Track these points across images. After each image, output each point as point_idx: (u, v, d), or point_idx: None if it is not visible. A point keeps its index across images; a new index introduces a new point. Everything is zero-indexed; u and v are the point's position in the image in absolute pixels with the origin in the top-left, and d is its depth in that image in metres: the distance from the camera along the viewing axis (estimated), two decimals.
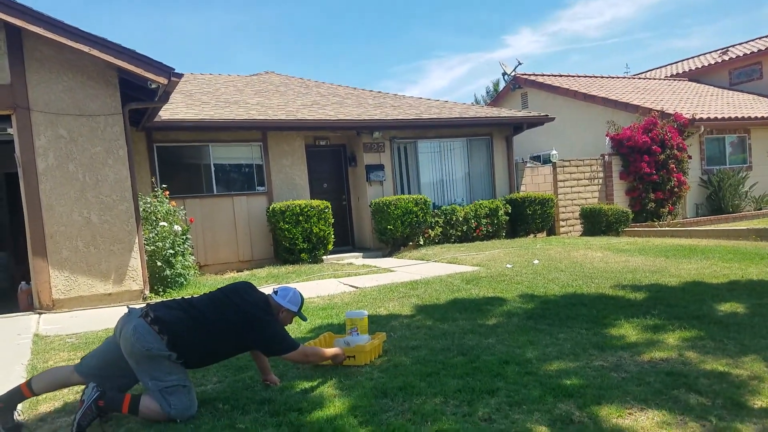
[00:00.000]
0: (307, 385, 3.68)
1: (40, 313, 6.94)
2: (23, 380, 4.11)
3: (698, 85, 21.58)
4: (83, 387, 3.54)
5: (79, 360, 4.37)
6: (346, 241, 12.45)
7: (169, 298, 3.70)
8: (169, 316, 3.23)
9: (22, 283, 7.53)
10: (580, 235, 13.66)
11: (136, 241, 7.45)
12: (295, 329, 5.17)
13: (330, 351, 3.82)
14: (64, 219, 7.13)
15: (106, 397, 3.10)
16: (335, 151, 12.63)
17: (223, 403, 3.39)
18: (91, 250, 7.24)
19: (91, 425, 3.11)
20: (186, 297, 3.51)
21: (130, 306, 3.38)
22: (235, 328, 3.33)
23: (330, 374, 3.86)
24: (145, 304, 3.34)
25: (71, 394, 3.78)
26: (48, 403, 3.66)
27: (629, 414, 3.08)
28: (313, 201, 10.56)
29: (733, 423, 2.90)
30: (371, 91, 15.54)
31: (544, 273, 7.45)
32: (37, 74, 7.08)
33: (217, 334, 3.30)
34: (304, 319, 3.76)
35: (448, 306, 5.73)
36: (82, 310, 7.01)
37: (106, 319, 6.21)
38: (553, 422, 3.00)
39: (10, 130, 7.11)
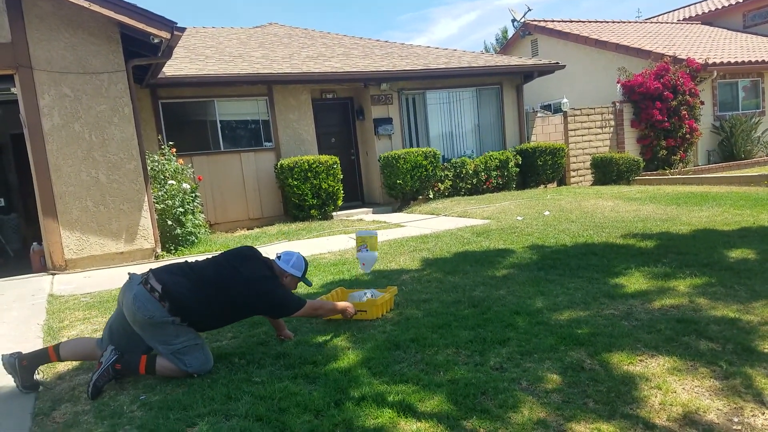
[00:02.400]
0: (321, 339, 3.74)
1: (53, 274, 7.03)
2: (40, 339, 4.24)
3: (711, 28, 20.94)
4: None
5: (97, 324, 4.49)
6: (356, 197, 12.44)
7: (172, 262, 3.67)
8: (170, 282, 3.17)
9: (34, 244, 7.59)
10: (591, 185, 13.58)
11: (146, 199, 7.46)
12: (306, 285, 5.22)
13: (340, 304, 3.84)
14: (73, 179, 7.13)
15: (123, 360, 3.19)
16: (342, 105, 12.46)
17: (239, 358, 3.47)
18: (101, 210, 7.26)
19: (108, 384, 3.21)
20: (189, 261, 3.47)
21: (131, 272, 3.37)
22: (239, 295, 3.28)
23: (343, 328, 3.91)
24: (147, 270, 3.31)
25: None
26: (66, 362, 3.75)
27: (640, 361, 3.12)
28: (321, 156, 10.49)
29: (743, 368, 2.93)
30: (378, 40, 15.20)
31: (554, 224, 7.43)
32: (37, 31, 6.95)
33: (221, 301, 3.24)
34: (309, 284, 3.74)
35: (458, 259, 5.75)
36: (95, 270, 7.10)
37: (119, 279, 6.24)
38: (564, 370, 3.05)
39: (13, 90, 7.05)
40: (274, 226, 10.01)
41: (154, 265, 3.43)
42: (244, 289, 3.30)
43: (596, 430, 2.49)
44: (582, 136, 14.36)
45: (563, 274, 4.92)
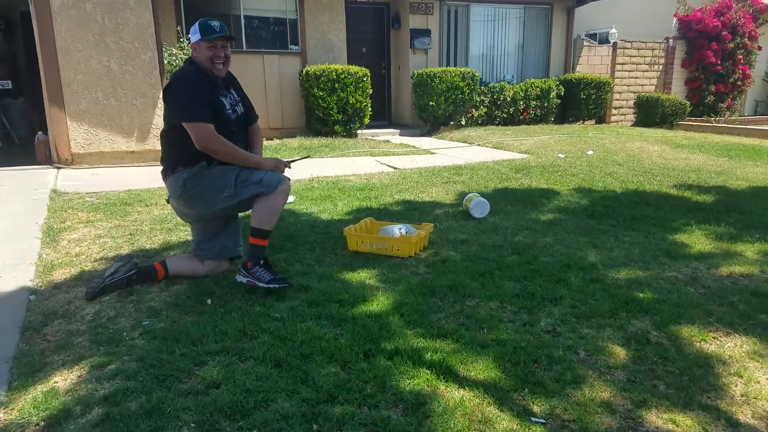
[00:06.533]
0: (346, 275, 3.34)
1: (58, 167, 6.63)
2: (37, 240, 3.91)
3: None
4: (116, 256, 3.52)
5: (101, 229, 4.14)
6: (383, 116, 11.76)
7: None
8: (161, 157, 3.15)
9: (39, 133, 7.10)
10: (632, 125, 12.79)
11: (160, 96, 6.93)
12: (331, 210, 4.82)
13: (256, 159, 3.00)
14: (82, 66, 6.57)
15: (140, 270, 3.08)
16: (378, 10, 11.50)
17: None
18: (111, 103, 6.74)
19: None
20: None
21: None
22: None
23: (372, 264, 3.52)
24: None
25: (89, 262, 3.54)
26: (63, 269, 3.43)
27: (713, 338, 2.71)
28: (351, 67, 9.73)
29: None
30: None
31: (600, 165, 6.87)
32: None
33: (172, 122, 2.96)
34: (212, 33, 2.90)
35: (497, 196, 5.27)
36: (104, 168, 6.68)
37: (127, 179, 5.91)
38: (628, 341, 2.65)
39: None
40: (296, 139, 9.49)
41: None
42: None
43: (671, 422, 2.12)
44: (629, 72, 13.38)
45: (616, 224, 4.45)
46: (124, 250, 3.73)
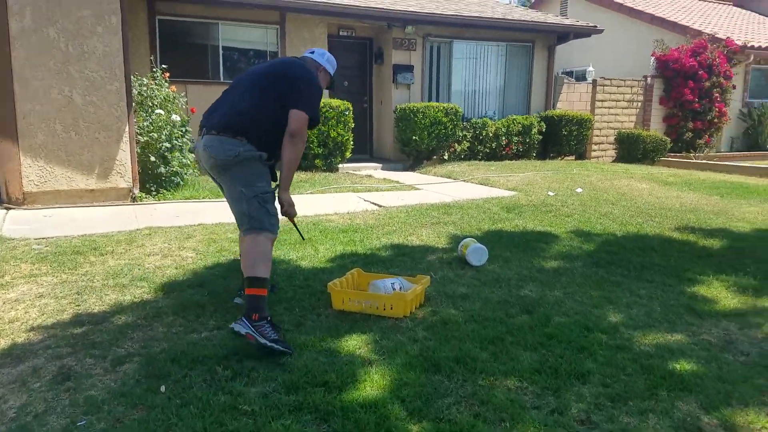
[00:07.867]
0: (333, 344, 2.81)
1: (7, 208, 5.91)
2: None
3: (744, 11, 19.82)
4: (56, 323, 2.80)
5: (45, 286, 3.55)
6: (364, 150, 11.34)
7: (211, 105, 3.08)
8: (233, 112, 2.94)
9: None
10: (613, 161, 12.64)
11: (126, 129, 6.34)
12: (312, 256, 4.30)
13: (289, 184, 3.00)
14: (41, 96, 5.96)
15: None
16: (360, 45, 11.20)
17: (222, 366, 2.53)
18: (71, 136, 6.12)
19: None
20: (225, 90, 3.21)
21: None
22: (277, 80, 2.97)
23: (361, 327, 3.00)
24: (200, 128, 3.03)
25: (22, 331, 2.92)
26: None
27: None
28: (332, 100, 9.31)
29: None
30: None
31: (592, 205, 6.51)
32: None
33: (265, 98, 2.95)
34: (332, 89, 3.40)
35: (492, 240, 4.82)
36: (59, 208, 6.02)
37: (85, 223, 5.28)
38: (677, 431, 2.19)
39: None
40: None
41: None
42: (282, 76, 2.99)
43: None
44: (608, 108, 13.32)
45: (627, 274, 4.03)
46: (68, 314, 3.11)
